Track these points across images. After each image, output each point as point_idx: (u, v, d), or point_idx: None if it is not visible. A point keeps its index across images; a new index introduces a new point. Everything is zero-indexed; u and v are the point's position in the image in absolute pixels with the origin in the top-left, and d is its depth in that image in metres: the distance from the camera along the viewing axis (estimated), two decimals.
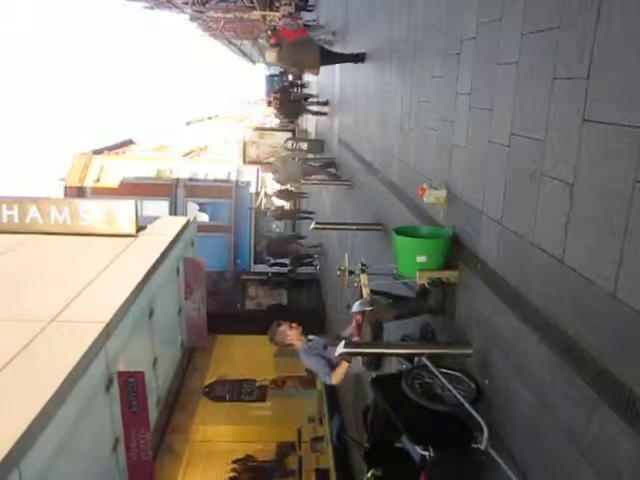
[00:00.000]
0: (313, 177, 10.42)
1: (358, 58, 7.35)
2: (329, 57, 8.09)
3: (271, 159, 16.51)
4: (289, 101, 16.30)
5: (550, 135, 2.36)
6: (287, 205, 18.37)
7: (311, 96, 15.59)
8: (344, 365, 3.91)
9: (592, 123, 2.06)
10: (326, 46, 9.24)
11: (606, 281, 1.97)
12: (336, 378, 4.00)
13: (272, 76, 30.21)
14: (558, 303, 2.30)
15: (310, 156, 12.55)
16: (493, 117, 2.96)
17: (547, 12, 2.40)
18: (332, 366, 4.03)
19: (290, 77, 23.17)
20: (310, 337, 4.40)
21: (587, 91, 2.08)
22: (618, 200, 1.91)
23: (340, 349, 3.28)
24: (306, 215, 14.97)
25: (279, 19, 15.08)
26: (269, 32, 13.83)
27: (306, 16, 16.35)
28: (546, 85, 2.37)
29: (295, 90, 18.94)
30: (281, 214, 15.53)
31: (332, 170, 10.20)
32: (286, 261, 15.83)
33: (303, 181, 10.72)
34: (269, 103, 17.20)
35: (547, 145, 2.38)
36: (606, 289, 1.97)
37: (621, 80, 1.89)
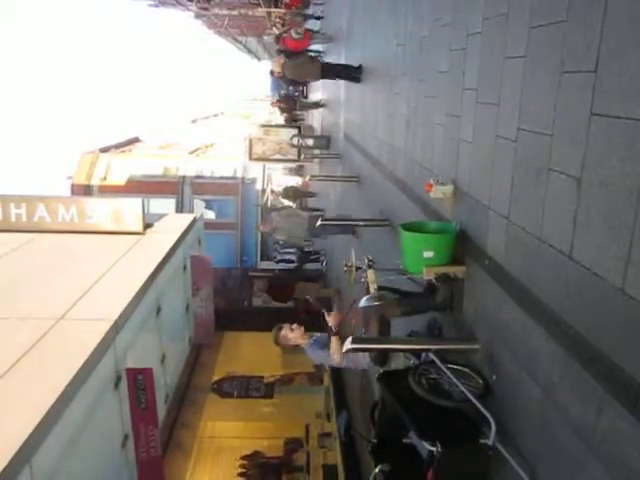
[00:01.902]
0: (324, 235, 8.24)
1: (355, 72, 8.06)
2: (330, 74, 9.07)
3: (276, 156, 16.45)
4: (292, 99, 16.63)
5: (557, 129, 2.35)
6: (294, 204, 18.24)
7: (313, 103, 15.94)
8: (333, 340, 3.94)
9: (600, 117, 2.05)
10: (327, 60, 9.62)
11: (614, 276, 1.96)
12: (334, 352, 3.97)
13: None
14: (566, 298, 2.29)
15: (320, 211, 10.45)
16: (500, 112, 2.94)
17: (554, 5, 2.38)
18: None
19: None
20: (316, 335, 4.42)
21: (595, 85, 2.07)
22: (626, 194, 1.89)
23: (347, 345, 3.28)
24: (315, 214, 14.75)
25: (284, 23, 15.19)
26: (275, 38, 14.02)
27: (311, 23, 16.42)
28: (553, 79, 2.36)
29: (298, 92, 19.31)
30: None
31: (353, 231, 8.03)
32: (293, 257, 15.80)
33: (310, 239, 8.51)
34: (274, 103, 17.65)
35: (554, 140, 2.37)
36: (614, 284, 1.96)
37: (629, 73, 1.88)
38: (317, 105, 14.94)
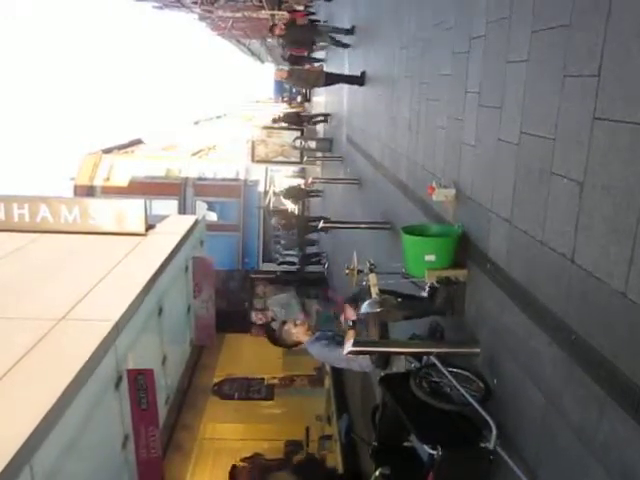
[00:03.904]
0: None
1: (358, 81, 8.12)
2: (332, 80, 9.30)
3: (279, 158, 16.40)
4: (295, 115, 16.56)
5: (560, 133, 2.35)
6: (296, 208, 18.07)
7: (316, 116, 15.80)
8: (350, 333, 3.84)
9: (602, 121, 2.05)
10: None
11: (616, 280, 1.96)
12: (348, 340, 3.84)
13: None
14: (568, 302, 2.29)
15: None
16: (503, 115, 2.94)
17: (557, 9, 2.38)
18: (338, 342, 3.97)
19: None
20: (319, 332, 4.40)
21: (597, 89, 2.07)
22: (629, 198, 1.89)
23: (348, 348, 3.28)
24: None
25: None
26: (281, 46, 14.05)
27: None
28: (556, 83, 2.36)
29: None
30: (289, 223, 13.86)
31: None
32: (294, 259, 15.77)
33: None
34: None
35: (557, 143, 2.37)
36: (616, 288, 1.95)
37: (632, 77, 1.88)
38: (323, 119, 14.56)
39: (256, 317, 7.20)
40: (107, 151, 24.01)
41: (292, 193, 14.90)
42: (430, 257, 3.39)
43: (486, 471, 2.87)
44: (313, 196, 15.55)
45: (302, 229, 13.56)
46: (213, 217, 22.59)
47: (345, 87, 9.98)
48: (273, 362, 9.89)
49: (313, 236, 14.29)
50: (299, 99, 30.33)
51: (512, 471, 2.63)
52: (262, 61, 46.30)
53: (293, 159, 15.58)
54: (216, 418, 8.89)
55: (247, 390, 9.67)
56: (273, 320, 7.00)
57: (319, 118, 15.57)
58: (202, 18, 25.11)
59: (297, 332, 4.26)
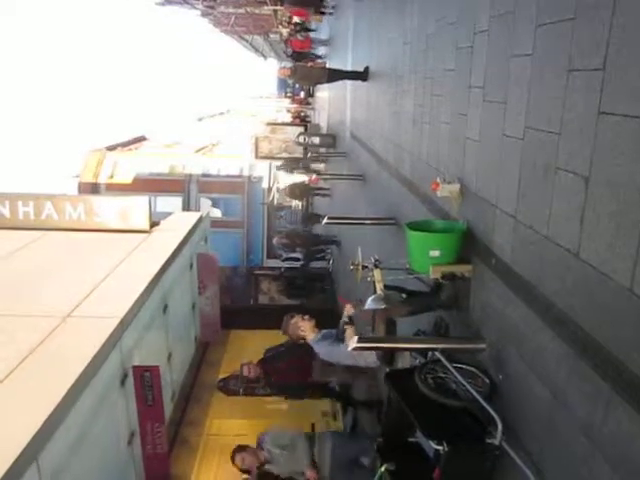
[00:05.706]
0: None
1: (361, 76, 8.20)
2: (335, 76, 9.43)
3: (282, 154, 16.35)
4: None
5: (565, 128, 2.34)
6: (300, 205, 18.01)
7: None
8: (349, 329, 3.91)
9: (608, 115, 2.03)
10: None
11: (622, 275, 1.95)
12: (349, 340, 3.93)
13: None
14: (573, 297, 2.28)
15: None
16: (507, 110, 2.93)
17: (562, 3, 2.37)
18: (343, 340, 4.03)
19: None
20: (323, 331, 4.42)
21: (603, 83, 2.05)
22: (634, 193, 1.88)
23: (353, 344, 3.28)
24: (330, 242, 12.82)
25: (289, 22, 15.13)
26: (284, 41, 14.00)
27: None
28: (561, 77, 2.34)
29: None
30: (292, 243, 13.39)
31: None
32: (299, 255, 15.76)
33: None
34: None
35: (562, 138, 2.36)
36: (622, 284, 1.94)
37: (638, 71, 1.86)
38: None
39: (241, 459, 5.39)
40: (111, 148, 24.08)
41: (296, 191, 14.80)
42: (435, 253, 3.38)
43: (491, 466, 2.87)
44: (318, 194, 15.44)
45: (308, 250, 13.39)
46: (217, 213, 22.65)
47: (348, 83, 9.95)
48: None
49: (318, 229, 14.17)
50: (302, 95, 30.32)
51: (517, 466, 2.63)
52: (265, 57, 46.21)
53: (297, 155, 15.54)
54: (222, 414, 8.90)
55: (252, 386, 9.67)
56: (267, 462, 5.26)
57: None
58: (205, 14, 25.06)
59: (304, 326, 4.28)
